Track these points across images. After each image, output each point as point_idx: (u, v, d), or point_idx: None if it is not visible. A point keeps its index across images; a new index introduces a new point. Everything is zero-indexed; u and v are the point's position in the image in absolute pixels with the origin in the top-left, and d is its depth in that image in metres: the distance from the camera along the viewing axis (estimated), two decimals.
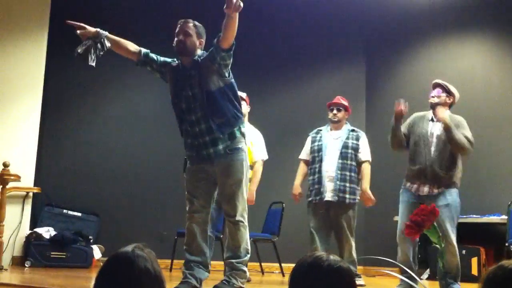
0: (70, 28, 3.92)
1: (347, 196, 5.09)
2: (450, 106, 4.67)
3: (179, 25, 3.83)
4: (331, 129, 5.37)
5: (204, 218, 3.80)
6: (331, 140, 5.27)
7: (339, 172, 5.12)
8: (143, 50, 4.07)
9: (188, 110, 3.74)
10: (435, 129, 4.55)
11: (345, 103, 5.42)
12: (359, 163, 5.23)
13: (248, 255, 3.91)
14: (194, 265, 3.76)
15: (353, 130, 5.35)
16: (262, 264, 6.48)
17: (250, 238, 6.11)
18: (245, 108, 5.26)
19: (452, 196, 4.44)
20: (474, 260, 6.10)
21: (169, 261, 6.11)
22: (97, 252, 6.49)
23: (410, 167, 4.61)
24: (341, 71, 7.69)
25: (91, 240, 6.57)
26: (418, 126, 4.63)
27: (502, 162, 6.66)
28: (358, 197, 5.21)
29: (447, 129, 4.40)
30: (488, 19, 7.03)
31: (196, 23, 3.85)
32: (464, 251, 6.08)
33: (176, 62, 3.93)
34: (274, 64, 7.63)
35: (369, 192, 5.15)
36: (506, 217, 5.71)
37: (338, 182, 5.09)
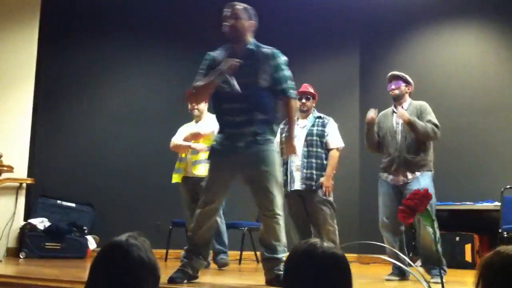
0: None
1: (314, 183, 5.00)
2: (409, 94, 4.80)
3: (227, 10, 3.69)
4: (298, 119, 5.23)
5: (215, 209, 3.74)
6: (298, 129, 5.14)
7: (305, 160, 5.03)
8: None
9: (233, 99, 3.60)
10: (399, 119, 4.66)
11: (312, 90, 5.33)
12: (328, 150, 5.14)
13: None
14: (194, 254, 3.69)
15: (319, 117, 5.24)
16: (257, 252, 6.50)
17: (244, 227, 6.19)
18: (204, 104, 5.48)
19: (426, 180, 4.51)
20: (468, 247, 6.14)
21: (164, 251, 6.13)
22: (92, 242, 6.49)
23: (382, 160, 4.75)
24: (335, 59, 7.68)
25: (86, 231, 6.56)
26: (383, 123, 4.79)
27: (495, 150, 6.68)
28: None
29: (410, 126, 4.51)
30: (482, 8, 7.02)
31: (245, 5, 3.74)
32: (457, 238, 6.12)
33: (221, 51, 3.78)
34: None
35: (329, 179, 5.01)
36: (500, 204, 5.74)
37: (304, 171, 5.00)
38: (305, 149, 5.07)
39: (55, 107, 7.29)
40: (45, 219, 6.47)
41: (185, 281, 3.58)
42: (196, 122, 5.63)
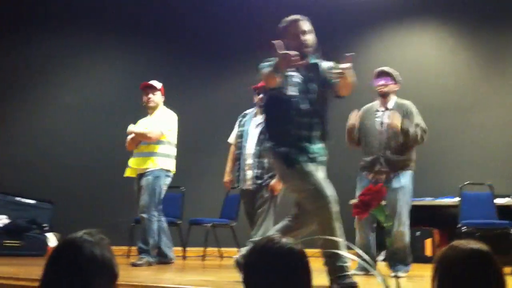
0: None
1: (264, 183, 4.91)
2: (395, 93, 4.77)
3: (300, 22, 3.61)
4: (256, 113, 5.17)
5: None
6: (253, 127, 5.08)
7: (256, 159, 4.94)
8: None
9: (305, 113, 3.50)
10: (384, 118, 4.63)
11: None
12: None
13: None
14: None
15: None
16: (221, 249, 6.50)
17: (208, 224, 6.17)
18: (160, 97, 5.37)
19: (406, 178, 4.54)
20: (428, 241, 6.26)
21: (126, 248, 6.07)
22: (52, 240, 6.38)
23: (363, 159, 4.70)
24: None
25: (46, 228, 6.46)
26: (367, 119, 4.73)
27: (454, 147, 6.83)
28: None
29: (403, 133, 4.48)
30: (439, 8, 7.15)
31: (305, 16, 3.65)
32: (418, 233, 6.23)
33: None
34: (238, 50, 7.58)
35: (278, 184, 4.84)
36: (458, 200, 5.86)
37: (255, 170, 4.93)
38: (257, 148, 4.96)
39: (9, 102, 7.16)
40: (3, 217, 6.34)
41: None
42: (150, 115, 5.41)
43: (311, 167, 3.47)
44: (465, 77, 7.01)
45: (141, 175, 5.23)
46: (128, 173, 5.40)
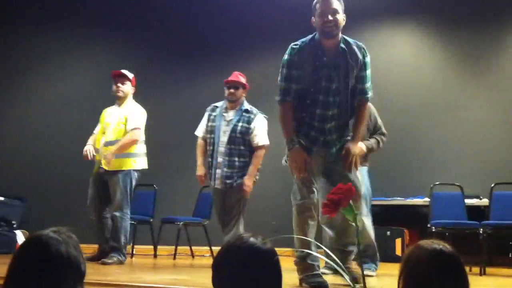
0: None
1: (234, 182, 4.90)
2: None
3: (321, 2, 3.42)
4: (226, 108, 5.10)
5: None
6: (224, 123, 5.02)
7: (226, 158, 4.90)
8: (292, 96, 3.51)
9: (325, 103, 3.40)
10: None
11: (243, 80, 5.15)
12: (254, 148, 4.99)
13: None
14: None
15: (246, 111, 5.05)
16: (193, 247, 6.48)
17: (180, 222, 6.14)
18: (130, 88, 5.24)
19: (363, 176, 4.57)
20: (398, 241, 6.32)
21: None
22: (20, 237, 6.27)
23: None
24: (273, 57, 7.69)
25: (15, 225, 6.36)
26: None
27: (425, 148, 6.91)
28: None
29: (369, 153, 4.60)
30: (418, 9, 7.22)
31: None
32: (388, 232, 6.29)
33: (307, 46, 3.49)
34: (211, 46, 7.56)
35: (251, 179, 4.92)
36: (429, 200, 5.93)
37: (225, 169, 4.89)
38: (228, 146, 4.91)
39: None
40: None
41: None
42: (119, 106, 5.28)
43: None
44: (440, 78, 7.10)
45: (111, 172, 5.12)
46: (94, 170, 5.25)
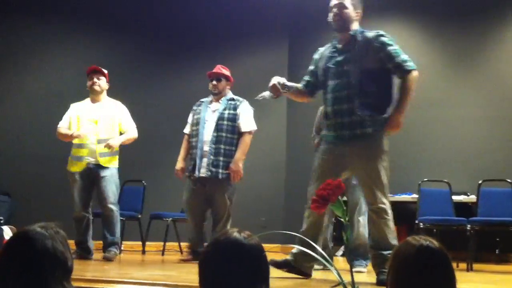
0: None
1: (220, 170, 4.88)
2: None
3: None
4: (211, 101, 5.15)
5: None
6: (210, 113, 5.06)
7: (213, 146, 4.91)
8: (305, 83, 3.91)
9: (336, 88, 3.60)
10: None
11: (226, 72, 5.19)
12: (240, 134, 5.02)
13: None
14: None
15: (231, 99, 5.11)
16: (181, 244, 6.47)
17: (168, 218, 6.12)
18: (105, 83, 5.19)
19: None
20: None
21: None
22: (8, 233, 6.20)
23: None
24: (264, 50, 7.70)
25: (2, 221, 6.30)
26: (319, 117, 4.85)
27: (414, 144, 6.93)
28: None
29: None
30: (406, 6, 7.24)
31: None
32: None
33: (329, 45, 3.81)
34: (196, 42, 7.54)
35: (239, 164, 4.95)
36: (417, 196, 5.95)
37: (211, 157, 4.89)
38: (215, 134, 4.93)
39: None
40: None
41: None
42: (93, 101, 5.20)
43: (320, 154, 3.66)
44: (429, 74, 7.09)
45: (104, 167, 5.07)
46: (78, 167, 5.09)
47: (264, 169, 7.19)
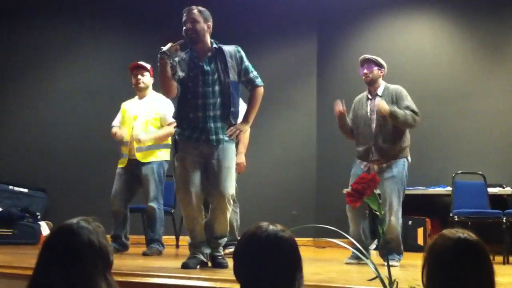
0: None
1: None
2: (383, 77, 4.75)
3: (184, 14, 3.90)
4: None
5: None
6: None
7: None
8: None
9: (203, 95, 3.81)
10: (373, 105, 4.60)
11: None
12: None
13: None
14: (200, 243, 3.91)
15: None
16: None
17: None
18: (149, 78, 5.31)
19: (398, 167, 4.52)
20: (420, 230, 6.29)
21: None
22: (45, 228, 6.37)
23: (357, 149, 4.69)
24: (293, 44, 7.68)
25: (39, 217, 6.44)
26: (359, 109, 4.72)
27: (447, 136, 6.85)
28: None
29: (390, 117, 4.43)
30: None
31: (200, 8, 3.95)
32: (410, 222, 6.26)
33: (184, 53, 3.95)
34: (224, 37, 7.55)
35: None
36: (451, 189, 5.88)
37: None
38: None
39: (3, 89, 7.11)
40: None
41: (198, 266, 3.80)
42: (140, 98, 5.32)
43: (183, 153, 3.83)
44: (461, 65, 7.02)
45: (145, 163, 5.15)
46: (122, 163, 5.24)
47: (295, 162, 7.19)
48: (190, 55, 3.93)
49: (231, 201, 3.87)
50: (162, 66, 3.75)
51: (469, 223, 5.37)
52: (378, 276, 1.59)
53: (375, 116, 4.57)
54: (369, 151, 4.56)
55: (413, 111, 4.51)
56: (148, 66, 5.33)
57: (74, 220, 1.62)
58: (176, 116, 3.97)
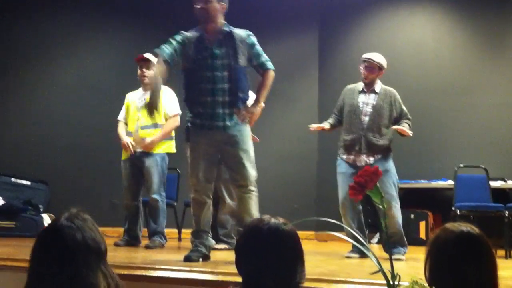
0: None
1: None
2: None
3: None
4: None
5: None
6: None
7: None
8: (165, 58, 3.82)
9: (212, 80, 3.73)
10: (369, 99, 4.67)
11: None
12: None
13: None
14: (204, 233, 3.85)
15: None
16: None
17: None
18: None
19: (389, 162, 4.61)
20: (422, 224, 6.29)
21: (122, 229, 6.07)
22: (47, 221, 6.37)
23: (344, 137, 4.72)
24: (294, 38, 7.66)
25: (41, 209, 6.46)
26: (349, 98, 4.75)
27: (449, 130, 6.84)
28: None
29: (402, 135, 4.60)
30: None
31: None
32: (412, 216, 6.26)
33: (194, 32, 3.84)
34: None
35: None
36: (453, 182, 5.87)
37: None
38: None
39: (4, 82, 7.11)
40: None
41: (201, 259, 3.74)
42: (144, 90, 5.30)
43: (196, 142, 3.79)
44: (462, 58, 7.00)
45: (148, 154, 5.16)
46: (125, 155, 5.29)
47: (296, 156, 7.18)
48: (199, 35, 3.81)
49: (254, 183, 3.81)
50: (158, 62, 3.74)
51: (471, 216, 5.37)
52: (380, 270, 1.58)
53: (370, 110, 4.63)
54: (357, 141, 4.60)
55: (408, 118, 4.71)
56: (155, 59, 5.30)
57: (59, 220, 1.61)
58: (185, 99, 3.88)
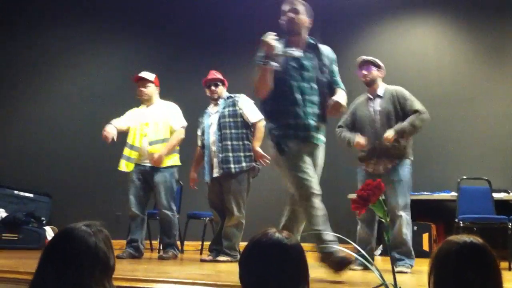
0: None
1: (232, 166, 4.96)
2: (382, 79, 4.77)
3: (287, 5, 3.76)
4: (213, 106, 5.28)
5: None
6: (212, 117, 5.18)
7: (219, 144, 5.01)
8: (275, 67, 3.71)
9: (301, 92, 3.64)
10: (376, 105, 4.63)
11: (221, 76, 5.30)
12: (252, 126, 5.10)
13: None
14: None
15: (229, 97, 5.20)
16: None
17: (206, 218, 6.16)
18: (154, 89, 5.37)
19: (404, 170, 4.52)
20: (425, 236, 6.27)
21: (125, 241, 6.05)
22: (50, 233, 6.38)
23: (361, 150, 4.66)
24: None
25: (44, 222, 6.45)
26: (360, 110, 4.72)
27: (452, 141, 6.83)
28: (246, 164, 5.02)
29: (399, 136, 4.47)
30: (440, 1, 7.14)
31: (303, 1, 3.80)
32: (415, 227, 6.23)
33: (279, 43, 3.68)
34: (225, 38, 7.56)
35: (259, 149, 4.98)
36: (456, 194, 5.86)
37: (220, 155, 4.99)
38: (219, 133, 5.03)
39: (7, 94, 7.13)
40: (1, 210, 6.35)
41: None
42: (147, 106, 5.42)
43: (296, 151, 3.60)
44: (464, 69, 7.01)
45: (157, 169, 5.22)
46: (128, 167, 5.34)
47: None
48: (285, 47, 3.72)
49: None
50: (263, 74, 3.53)
51: (475, 228, 5.36)
52: (384, 284, 1.58)
53: (378, 116, 4.58)
54: (374, 151, 4.56)
55: (417, 110, 4.53)
56: (152, 76, 5.38)
57: (76, 224, 1.62)
58: (271, 109, 3.71)
